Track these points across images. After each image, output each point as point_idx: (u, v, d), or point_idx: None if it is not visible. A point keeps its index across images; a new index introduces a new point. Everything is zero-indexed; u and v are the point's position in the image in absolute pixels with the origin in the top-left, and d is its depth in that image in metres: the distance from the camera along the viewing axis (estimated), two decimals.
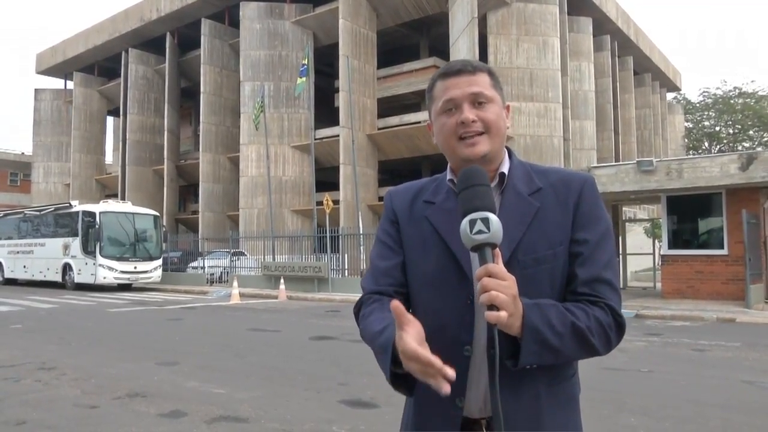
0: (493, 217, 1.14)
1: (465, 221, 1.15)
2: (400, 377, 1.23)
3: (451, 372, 1.09)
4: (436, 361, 1.09)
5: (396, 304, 1.15)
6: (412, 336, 1.13)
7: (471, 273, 1.29)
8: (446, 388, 1.09)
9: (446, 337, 1.31)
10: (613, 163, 20.87)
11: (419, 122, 27.72)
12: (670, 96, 50.30)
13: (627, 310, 12.46)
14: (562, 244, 1.32)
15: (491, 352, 1.13)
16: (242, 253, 24.40)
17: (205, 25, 33.01)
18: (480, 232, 1.13)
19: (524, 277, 1.23)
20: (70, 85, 43.01)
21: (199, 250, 26.82)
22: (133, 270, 21.42)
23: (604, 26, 33.65)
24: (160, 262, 22.54)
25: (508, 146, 1.42)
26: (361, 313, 1.41)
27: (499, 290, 1.10)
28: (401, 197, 1.48)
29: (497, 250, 1.15)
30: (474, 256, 1.24)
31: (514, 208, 1.33)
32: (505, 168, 1.38)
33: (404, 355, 1.13)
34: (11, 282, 25.19)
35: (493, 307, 1.10)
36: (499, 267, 1.12)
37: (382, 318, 1.31)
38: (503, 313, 1.10)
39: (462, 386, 1.30)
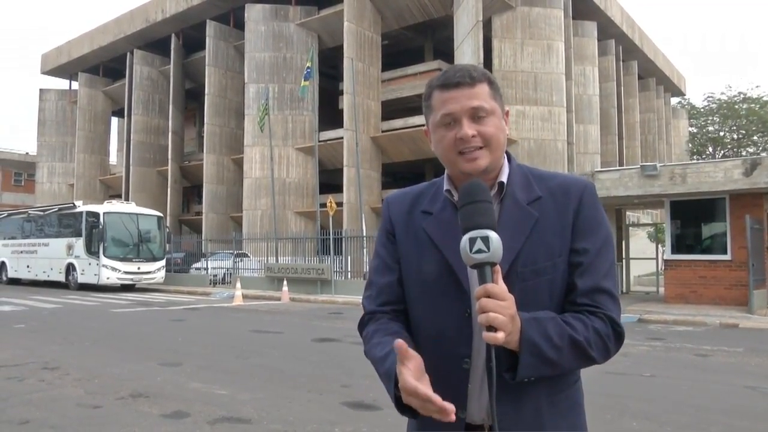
0: (493, 236, 1.13)
1: (465, 239, 1.14)
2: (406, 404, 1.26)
3: (450, 407, 1.11)
4: (436, 398, 1.11)
5: (399, 343, 1.16)
6: (411, 372, 1.15)
7: (468, 285, 1.28)
8: (451, 418, 1.12)
9: (445, 350, 1.31)
10: (617, 168, 20.85)
11: (423, 125, 27.50)
12: (674, 101, 50.28)
13: (630, 314, 12.43)
14: (561, 255, 1.30)
15: (489, 365, 1.13)
16: (245, 255, 24.43)
17: (210, 27, 33.10)
18: (480, 251, 1.12)
19: (524, 289, 1.22)
20: (75, 85, 43.15)
21: (203, 251, 26.89)
22: (136, 270, 21.45)
23: (608, 30, 33.66)
24: (163, 262, 22.58)
25: (507, 151, 1.40)
26: (364, 333, 1.42)
27: (498, 311, 1.10)
28: (398, 205, 1.46)
29: (497, 266, 1.14)
30: (473, 271, 1.22)
31: (514, 219, 1.31)
32: (504, 176, 1.36)
33: (404, 392, 1.15)
34: (15, 282, 25.24)
35: (491, 327, 1.10)
36: (498, 287, 1.12)
37: (382, 343, 1.32)
38: (501, 335, 1.10)
39: (462, 398, 1.30)
